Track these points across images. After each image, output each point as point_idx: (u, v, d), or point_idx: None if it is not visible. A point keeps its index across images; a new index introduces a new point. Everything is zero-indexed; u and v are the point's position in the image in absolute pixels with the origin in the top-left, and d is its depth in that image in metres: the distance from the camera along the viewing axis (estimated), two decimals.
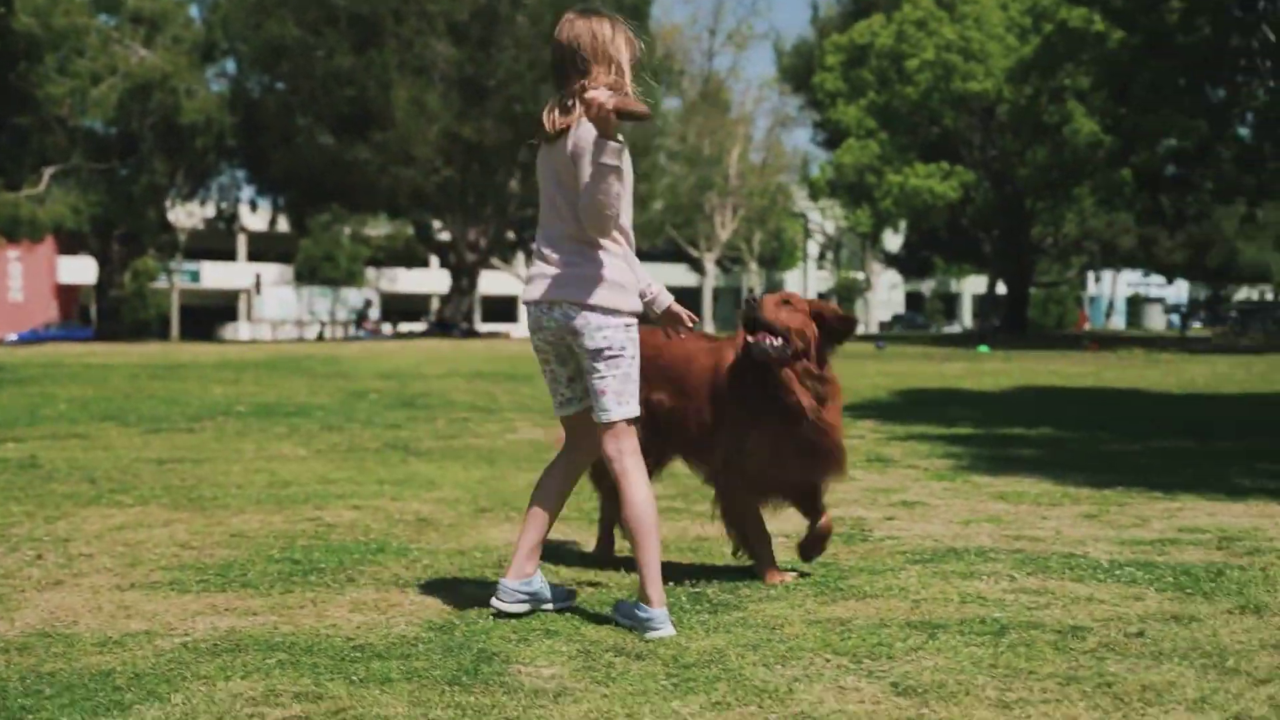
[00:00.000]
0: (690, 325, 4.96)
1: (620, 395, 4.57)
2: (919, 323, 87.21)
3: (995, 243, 49.68)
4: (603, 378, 4.56)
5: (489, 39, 46.85)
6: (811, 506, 5.44)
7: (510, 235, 58.34)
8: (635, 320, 4.62)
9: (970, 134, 46.56)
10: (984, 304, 55.07)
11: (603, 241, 4.56)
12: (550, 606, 4.80)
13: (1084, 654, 4.11)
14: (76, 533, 6.55)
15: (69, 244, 63.97)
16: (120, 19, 52.97)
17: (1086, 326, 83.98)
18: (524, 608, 4.71)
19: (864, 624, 4.51)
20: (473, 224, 53.86)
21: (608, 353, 4.55)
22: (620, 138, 4.39)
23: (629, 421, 4.59)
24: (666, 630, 4.41)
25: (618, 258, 4.59)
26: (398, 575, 5.55)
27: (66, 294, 72.06)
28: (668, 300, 4.91)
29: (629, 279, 4.61)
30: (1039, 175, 43.98)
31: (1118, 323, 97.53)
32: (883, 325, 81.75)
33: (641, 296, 4.72)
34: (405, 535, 6.51)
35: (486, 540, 6.38)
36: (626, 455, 4.58)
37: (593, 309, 4.53)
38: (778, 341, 5.12)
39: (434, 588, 5.31)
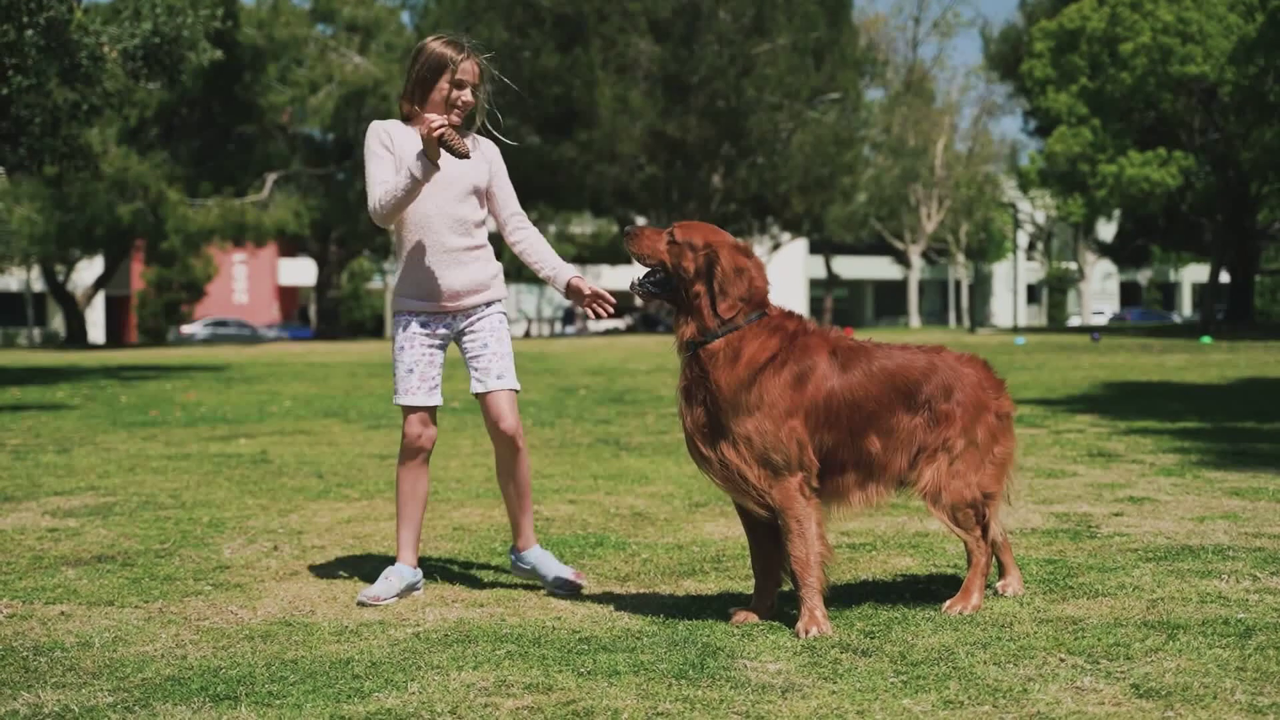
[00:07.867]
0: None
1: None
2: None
3: (1218, 229, 47.65)
4: None
5: (691, 35, 46.92)
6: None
7: None
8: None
9: (1189, 117, 44.77)
10: (1206, 293, 52.79)
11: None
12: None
13: None
14: (308, 525, 6.78)
15: (289, 247, 66.35)
16: (336, 28, 54.80)
17: None
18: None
19: (1098, 623, 4.37)
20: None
21: None
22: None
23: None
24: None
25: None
26: (617, 569, 5.60)
27: (287, 295, 74.83)
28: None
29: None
30: (1266, 158, 41.95)
31: None
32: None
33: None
34: (622, 530, 6.56)
35: (703, 535, 6.39)
36: None
37: None
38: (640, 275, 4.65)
39: (654, 581, 5.34)
